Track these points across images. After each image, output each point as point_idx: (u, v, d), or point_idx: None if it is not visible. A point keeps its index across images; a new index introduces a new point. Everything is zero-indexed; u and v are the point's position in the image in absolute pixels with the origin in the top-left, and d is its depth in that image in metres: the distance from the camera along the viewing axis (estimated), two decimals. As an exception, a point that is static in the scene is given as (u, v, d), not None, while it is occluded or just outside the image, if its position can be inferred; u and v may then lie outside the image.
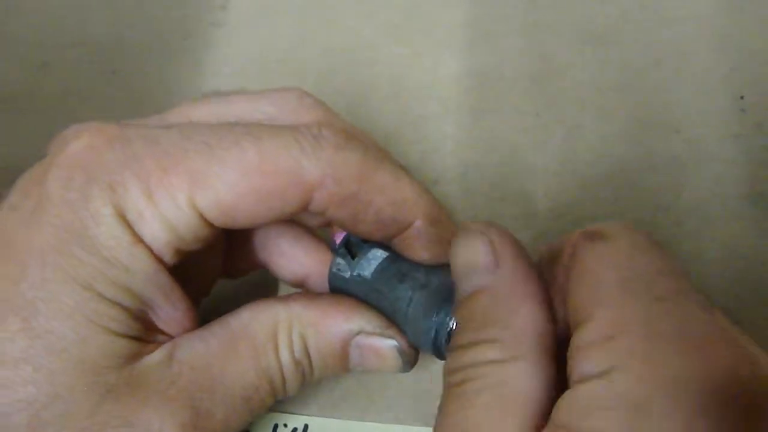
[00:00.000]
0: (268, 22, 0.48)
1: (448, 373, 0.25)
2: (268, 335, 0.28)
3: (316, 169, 0.26)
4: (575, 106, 0.42)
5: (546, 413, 0.22)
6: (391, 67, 0.45)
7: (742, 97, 0.40)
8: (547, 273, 0.26)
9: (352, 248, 0.30)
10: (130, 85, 0.46)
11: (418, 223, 0.28)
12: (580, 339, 0.22)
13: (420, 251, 0.28)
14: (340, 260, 0.30)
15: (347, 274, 0.30)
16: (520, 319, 0.24)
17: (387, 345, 0.29)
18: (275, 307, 0.29)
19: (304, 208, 0.27)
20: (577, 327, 0.23)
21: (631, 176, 0.39)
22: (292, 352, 0.28)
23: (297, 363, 0.29)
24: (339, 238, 0.30)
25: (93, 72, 0.46)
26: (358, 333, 0.29)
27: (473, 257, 0.26)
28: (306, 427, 0.33)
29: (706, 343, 0.21)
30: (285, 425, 0.33)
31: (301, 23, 0.48)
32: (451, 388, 0.24)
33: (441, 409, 0.24)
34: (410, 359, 0.29)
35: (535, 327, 0.24)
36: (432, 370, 0.33)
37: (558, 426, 0.21)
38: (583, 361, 0.22)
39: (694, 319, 0.22)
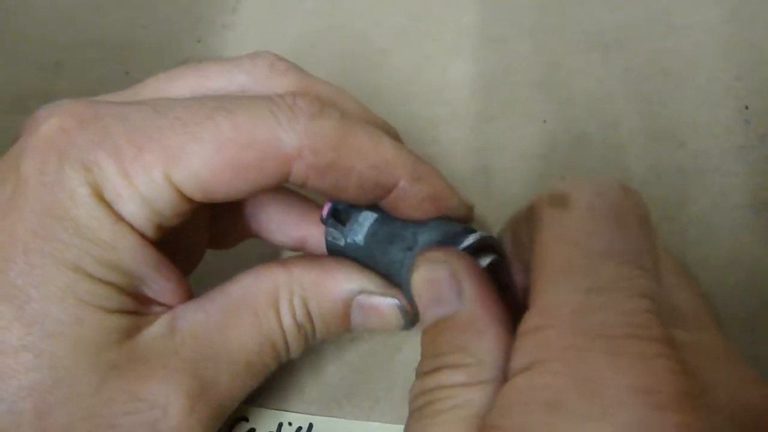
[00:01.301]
0: (278, 25, 0.49)
1: (412, 398, 0.25)
2: (269, 300, 0.28)
3: (293, 141, 0.26)
4: (582, 114, 0.42)
5: None
6: (400, 71, 0.45)
7: (746, 107, 0.41)
8: (520, 236, 0.26)
9: (340, 216, 0.30)
10: (142, 86, 0.46)
11: (402, 183, 0.28)
12: (520, 328, 0.23)
13: (408, 210, 0.28)
14: (332, 229, 0.30)
15: (342, 242, 0.30)
16: (486, 344, 0.24)
17: (388, 303, 0.29)
18: (275, 272, 0.29)
19: (284, 179, 0.27)
20: (526, 311, 0.23)
21: (635, 185, 0.39)
22: (294, 315, 0.28)
23: (299, 326, 0.29)
24: (326, 209, 0.30)
25: (106, 73, 0.47)
26: (360, 293, 0.29)
27: (435, 288, 0.26)
28: (311, 426, 0.33)
29: (625, 342, 0.20)
30: (290, 424, 0.33)
31: (310, 26, 0.48)
32: (413, 413, 0.24)
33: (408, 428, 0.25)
34: (412, 317, 0.29)
35: (500, 350, 0.24)
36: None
37: (489, 426, 0.21)
38: (516, 352, 0.22)
39: (620, 314, 0.21)
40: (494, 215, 0.38)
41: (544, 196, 0.25)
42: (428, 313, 0.26)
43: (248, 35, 0.48)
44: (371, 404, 0.34)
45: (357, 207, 0.30)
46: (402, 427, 0.32)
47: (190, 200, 0.27)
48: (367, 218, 0.29)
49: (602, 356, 0.20)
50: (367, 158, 0.27)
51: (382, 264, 0.29)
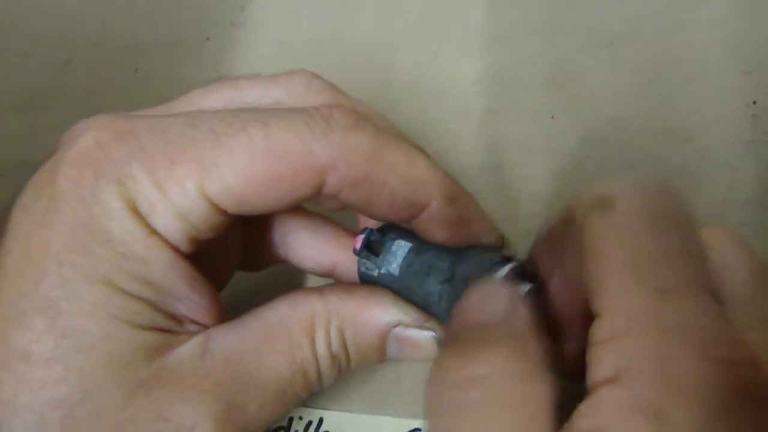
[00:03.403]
0: (287, 22, 0.49)
1: (453, 382, 0.23)
2: (305, 329, 0.28)
3: (327, 152, 0.25)
4: (590, 110, 0.42)
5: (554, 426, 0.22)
6: (408, 69, 0.45)
7: (754, 102, 0.41)
8: (560, 246, 0.26)
9: (373, 247, 0.30)
10: (153, 84, 0.46)
11: (435, 202, 0.27)
12: (594, 335, 0.22)
13: (439, 232, 0.28)
14: (365, 260, 0.30)
15: (375, 273, 0.29)
16: (533, 346, 0.23)
17: (426, 336, 0.29)
18: (312, 300, 0.28)
19: (317, 191, 0.26)
20: (594, 319, 0.22)
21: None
22: (329, 346, 0.28)
23: (334, 356, 0.28)
24: (358, 242, 0.30)
25: (116, 71, 0.47)
26: (397, 325, 0.28)
27: (489, 297, 0.25)
28: (321, 420, 0.33)
29: (715, 341, 0.21)
30: (300, 418, 0.33)
31: (319, 24, 0.48)
32: (441, 405, 0.23)
33: (444, 421, 0.23)
34: None
35: (544, 359, 0.23)
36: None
37: None
38: (598, 363, 0.21)
39: (701, 315, 0.21)
40: (502, 212, 0.39)
41: (584, 201, 0.24)
42: (474, 316, 0.25)
43: (257, 33, 0.48)
44: (380, 399, 0.34)
45: (390, 237, 0.30)
46: (413, 421, 0.33)
47: (223, 212, 0.26)
48: (400, 247, 0.29)
49: (693, 358, 0.20)
50: (401, 174, 0.26)
51: (419, 295, 0.29)
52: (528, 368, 0.22)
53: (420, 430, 0.33)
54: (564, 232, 0.26)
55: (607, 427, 0.20)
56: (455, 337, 0.25)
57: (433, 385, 0.23)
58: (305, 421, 0.34)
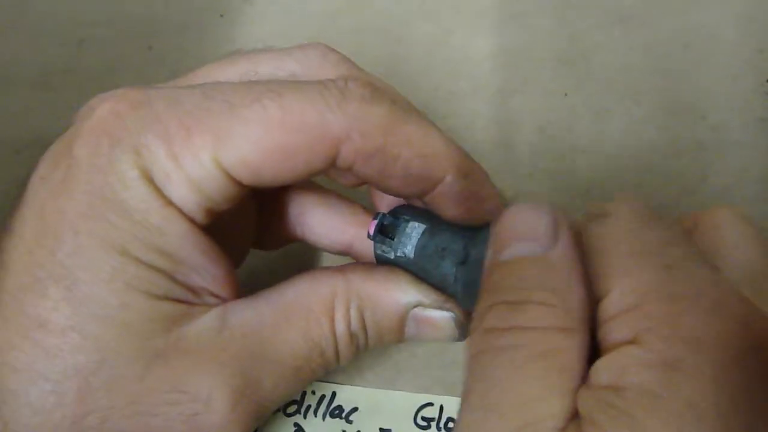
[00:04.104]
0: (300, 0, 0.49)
1: (477, 337, 0.23)
2: (325, 307, 0.28)
3: (342, 123, 0.25)
4: (603, 88, 0.42)
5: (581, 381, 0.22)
6: (421, 45, 0.45)
7: (767, 80, 0.41)
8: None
9: (387, 230, 0.30)
10: (166, 61, 0.46)
11: (449, 177, 0.27)
12: (606, 310, 0.22)
13: (453, 208, 0.27)
14: (380, 243, 0.30)
15: (391, 255, 0.29)
16: (575, 292, 0.23)
17: (445, 317, 0.29)
18: (334, 279, 0.29)
19: (331, 163, 0.26)
20: (601, 299, 0.23)
21: (656, 159, 0.39)
22: (348, 324, 0.28)
23: (352, 335, 0.28)
24: (372, 225, 0.29)
25: (129, 48, 0.47)
26: (416, 306, 0.29)
27: (532, 226, 0.24)
28: (333, 394, 0.34)
29: (721, 302, 0.21)
30: (313, 392, 0.34)
31: (333, 0, 0.48)
32: (481, 355, 0.23)
33: (479, 370, 0.23)
34: (466, 328, 0.29)
35: (585, 303, 0.23)
36: (457, 341, 0.34)
37: (600, 387, 0.21)
38: (614, 329, 0.22)
39: (705, 282, 0.22)
40: (515, 188, 0.39)
41: (581, 218, 0.25)
42: (509, 250, 0.25)
43: (270, 10, 0.48)
44: (393, 374, 0.34)
45: (404, 219, 0.30)
46: (426, 396, 0.33)
47: (239, 184, 0.26)
48: (415, 229, 0.29)
49: (705, 316, 0.21)
50: (416, 147, 0.26)
51: (434, 276, 0.29)
52: (567, 322, 0.23)
53: (432, 404, 0.33)
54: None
55: (624, 379, 0.21)
56: (496, 278, 0.25)
57: (473, 330, 0.24)
58: (318, 395, 0.34)
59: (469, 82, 0.43)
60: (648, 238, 0.23)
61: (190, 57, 0.46)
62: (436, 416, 0.33)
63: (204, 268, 0.27)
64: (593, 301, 0.24)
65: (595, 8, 0.45)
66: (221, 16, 0.48)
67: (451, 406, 0.33)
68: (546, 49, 0.44)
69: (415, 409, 0.33)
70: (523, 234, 0.24)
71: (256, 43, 0.47)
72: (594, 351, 0.23)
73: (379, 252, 0.30)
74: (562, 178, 0.39)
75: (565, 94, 0.42)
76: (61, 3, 0.50)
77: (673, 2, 0.45)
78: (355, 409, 0.34)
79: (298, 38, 0.46)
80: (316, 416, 0.34)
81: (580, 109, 0.42)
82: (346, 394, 0.34)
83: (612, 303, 0.23)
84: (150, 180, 0.26)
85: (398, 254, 0.29)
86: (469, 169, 0.27)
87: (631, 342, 0.21)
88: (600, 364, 0.22)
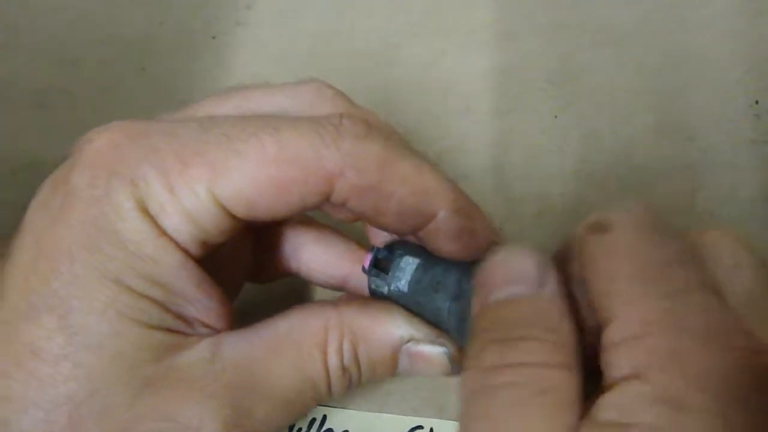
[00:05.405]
0: (293, 21, 0.49)
1: (486, 369, 0.23)
2: (317, 341, 0.28)
3: (336, 159, 0.26)
4: (593, 109, 0.42)
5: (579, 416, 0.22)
6: (413, 67, 0.46)
7: (757, 102, 0.41)
8: (564, 270, 0.26)
9: (382, 264, 0.30)
10: (159, 82, 0.47)
11: (443, 213, 0.27)
12: (609, 339, 0.23)
13: (446, 243, 0.28)
14: (375, 278, 0.30)
15: (385, 290, 0.30)
16: (566, 329, 0.24)
17: (438, 352, 0.29)
18: (326, 312, 0.29)
19: (326, 198, 0.26)
20: (605, 325, 0.23)
21: (646, 180, 0.40)
22: (341, 359, 0.28)
23: (345, 369, 0.28)
24: (367, 260, 0.30)
25: (122, 69, 0.48)
26: (409, 340, 0.29)
27: (519, 269, 0.25)
28: (324, 417, 0.34)
29: (726, 334, 0.21)
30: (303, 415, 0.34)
31: (324, 23, 0.49)
32: (478, 394, 0.23)
33: (476, 409, 0.23)
34: (459, 363, 0.29)
35: (576, 339, 0.24)
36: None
37: (607, 423, 0.21)
38: (617, 361, 0.22)
39: (709, 311, 0.22)
40: (505, 210, 0.39)
41: (581, 229, 0.25)
42: (499, 292, 0.25)
43: (262, 32, 0.49)
44: (383, 397, 0.34)
45: (398, 253, 0.30)
46: (416, 419, 0.33)
47: (233, 217, 0.27)
48: (409, 263, 0.29)
49: (711, 352, 0.21)
50: (409, 184, 0.27)
51: (428, 311, 0.29)
52: (563, 358, 0.23)
53: (422, 427, 0.33)
54: (568, 258, 0.26)
55: (628, 418, 0.21)
56: (488, 318, 0.25)
57: (468, 369, 0.24)
58: (309, 418, 0.34)
59: (460, 104, 0.43)
60: (651, 258, 0.23)
61: (182, 78, 0.47)
62: (427, 439, 0.33)
63: (197, 299, 0.27)
64: (597, 327, 0.24)
65: (586, 29, 0.45)
66: (213, 38, 0.48)
67: (442, 428, 0.33)
68: (537, 70, 0.44)
69: (405, 432, 0.33)
70: (512, 278, 0.25)
71: (247, 65, 0.47)
72: (593, 373, 0.23)
73: (373, 286, 0.30)
74: (553, 199, 0.39)
75: (556, 116, 0.42)
76: (56, 24, 0.50)
77: (663, 23, 0.45)
78: (345, 433, 0.34)
79: (289, 60, 0.47)
80: (306, 439, 0.33)
81: (570, 130, 0.42)
82: (337, 418, 0.34)
83: (614, 332, 0.23)
84: (145, 211, 0.26)
85: (392, 288, 0.29)
86: (462, 206, 0.28)
87: (636, 377, 0.21)
88: (606, 399, 0.22)
